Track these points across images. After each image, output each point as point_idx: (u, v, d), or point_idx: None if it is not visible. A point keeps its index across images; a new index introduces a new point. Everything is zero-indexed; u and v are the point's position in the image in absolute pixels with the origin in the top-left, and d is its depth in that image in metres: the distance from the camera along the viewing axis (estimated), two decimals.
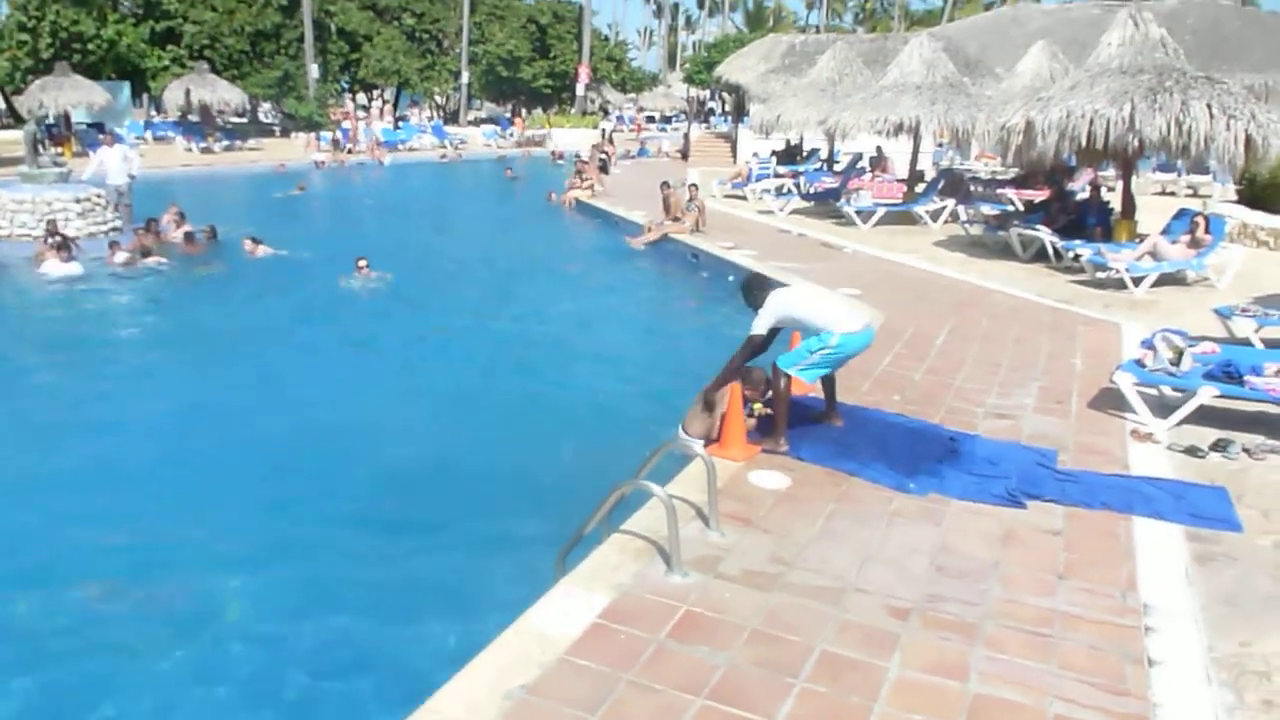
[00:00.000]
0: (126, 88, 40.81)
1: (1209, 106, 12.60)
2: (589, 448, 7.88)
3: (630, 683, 3.98)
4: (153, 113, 45.34)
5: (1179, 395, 7.58)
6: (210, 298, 14.57)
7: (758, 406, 6.87)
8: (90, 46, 38.03)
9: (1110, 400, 7.91)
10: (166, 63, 41.43)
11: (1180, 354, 7.74)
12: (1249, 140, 12.61)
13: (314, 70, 44.95)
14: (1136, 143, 12.81)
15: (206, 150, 35.63)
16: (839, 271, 13.70)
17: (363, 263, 14.82)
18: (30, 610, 5.73)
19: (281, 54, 45.13)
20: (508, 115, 55.46)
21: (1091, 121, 12.85)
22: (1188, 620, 4.72)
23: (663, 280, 16.52)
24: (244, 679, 5.08)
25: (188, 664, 5.18)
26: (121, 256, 15.52)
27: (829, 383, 7.04)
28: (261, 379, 10.36)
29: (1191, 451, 7.00)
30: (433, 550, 6.33)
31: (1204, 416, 7.39)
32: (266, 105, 49.78)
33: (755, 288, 6.94)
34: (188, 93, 38.32)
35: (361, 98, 55.01)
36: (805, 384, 7.07)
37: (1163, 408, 7.64)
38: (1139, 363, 7.86)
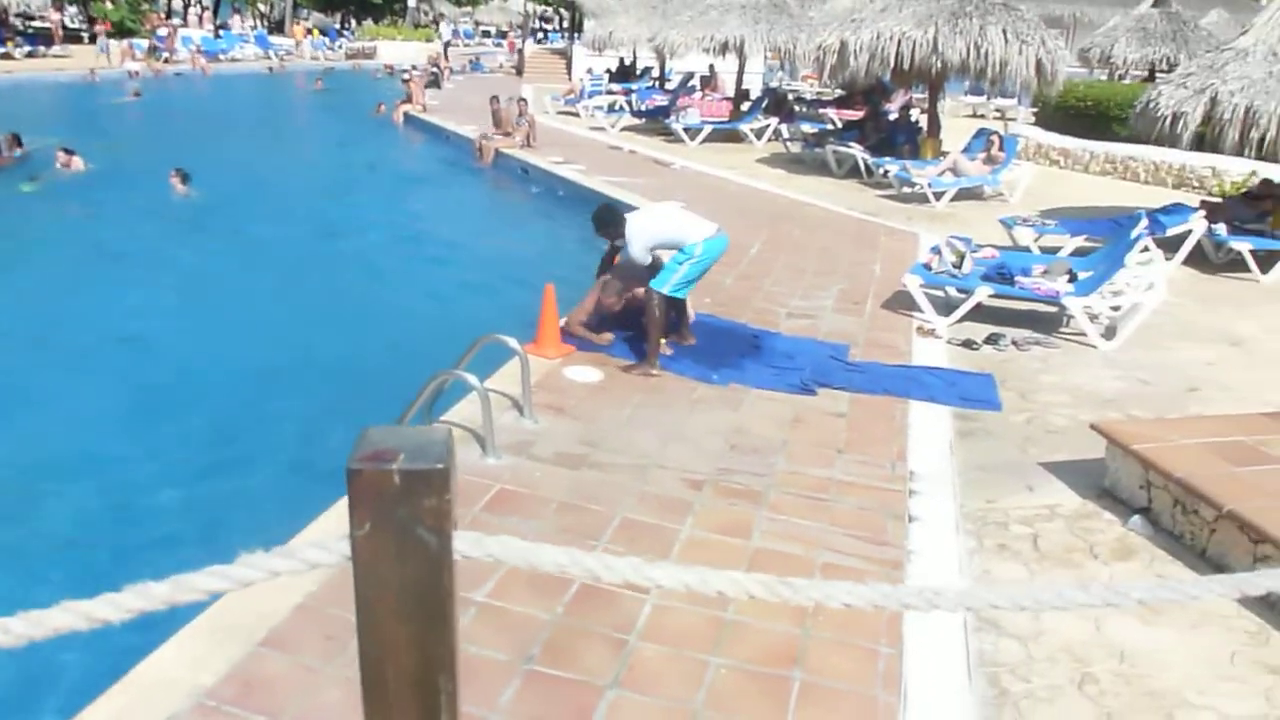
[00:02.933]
0: None
1: (1004, 32, 13.46)
2: (416, 346, 8.08)
3: None
4: None
5: (961, 295, 8.35)
6: (18, 209, 13.91)
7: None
8: None
9: (902, 301, 8.62)
10: None
11: (962, 258, 8.50)
12: (1039, 65, 13.56)
13: None
14: (940, 65, 13.58)
15: (5, 56, 33.20)
16: (665, 187, 14.10)
17: (176, 176, 14.43)
18: None
19: None
20: (336, 26, 53.45)
21: (899, 43, 13.54)
22: (945, 483, 5.39)
23: (491, 193, 16.67)
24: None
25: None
26: None
27: (679, 303, 7.16)
28: (71, 292, 10.12)
29: (967, 344, 7.78)
30: (264, 443, 6.51)
31: (982, 314, 8.21)
32: (72, 9, 46.42)
33: (606, 218, 6.94)
34: None
35: (176, 2, 51.97)
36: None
37: (947, 307, 8.41)
38: (926, 266, 8.59)
